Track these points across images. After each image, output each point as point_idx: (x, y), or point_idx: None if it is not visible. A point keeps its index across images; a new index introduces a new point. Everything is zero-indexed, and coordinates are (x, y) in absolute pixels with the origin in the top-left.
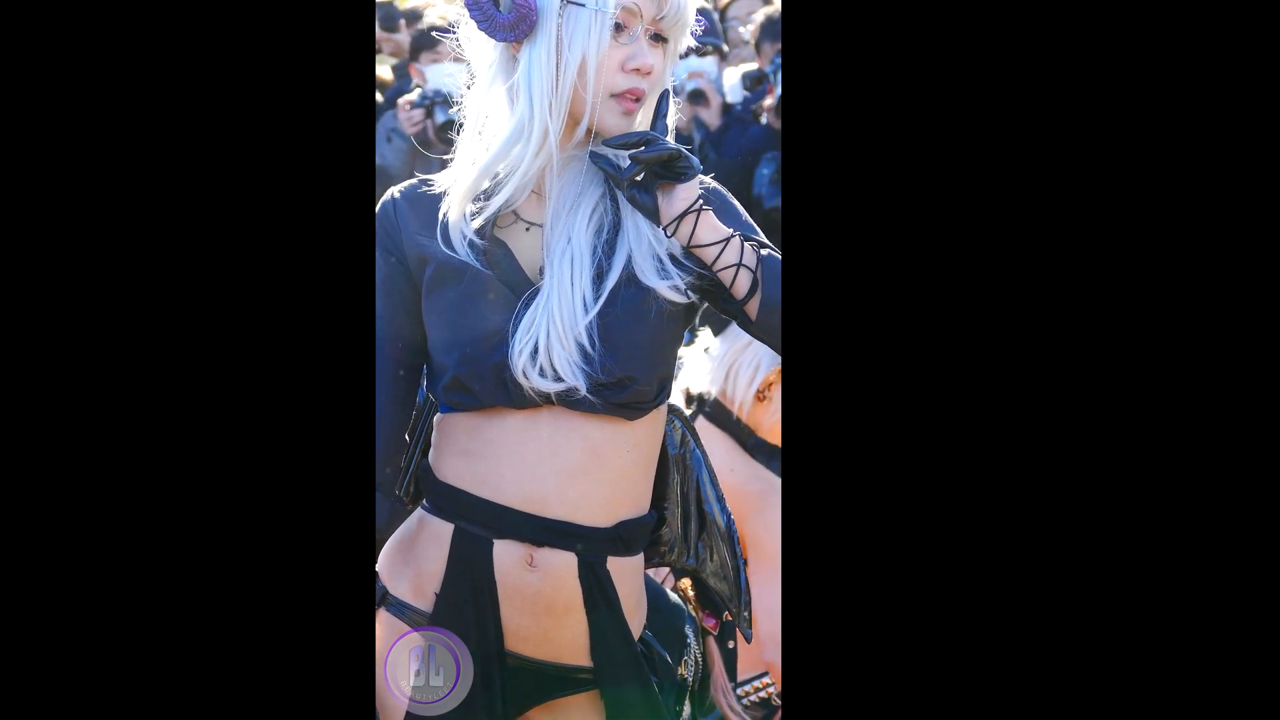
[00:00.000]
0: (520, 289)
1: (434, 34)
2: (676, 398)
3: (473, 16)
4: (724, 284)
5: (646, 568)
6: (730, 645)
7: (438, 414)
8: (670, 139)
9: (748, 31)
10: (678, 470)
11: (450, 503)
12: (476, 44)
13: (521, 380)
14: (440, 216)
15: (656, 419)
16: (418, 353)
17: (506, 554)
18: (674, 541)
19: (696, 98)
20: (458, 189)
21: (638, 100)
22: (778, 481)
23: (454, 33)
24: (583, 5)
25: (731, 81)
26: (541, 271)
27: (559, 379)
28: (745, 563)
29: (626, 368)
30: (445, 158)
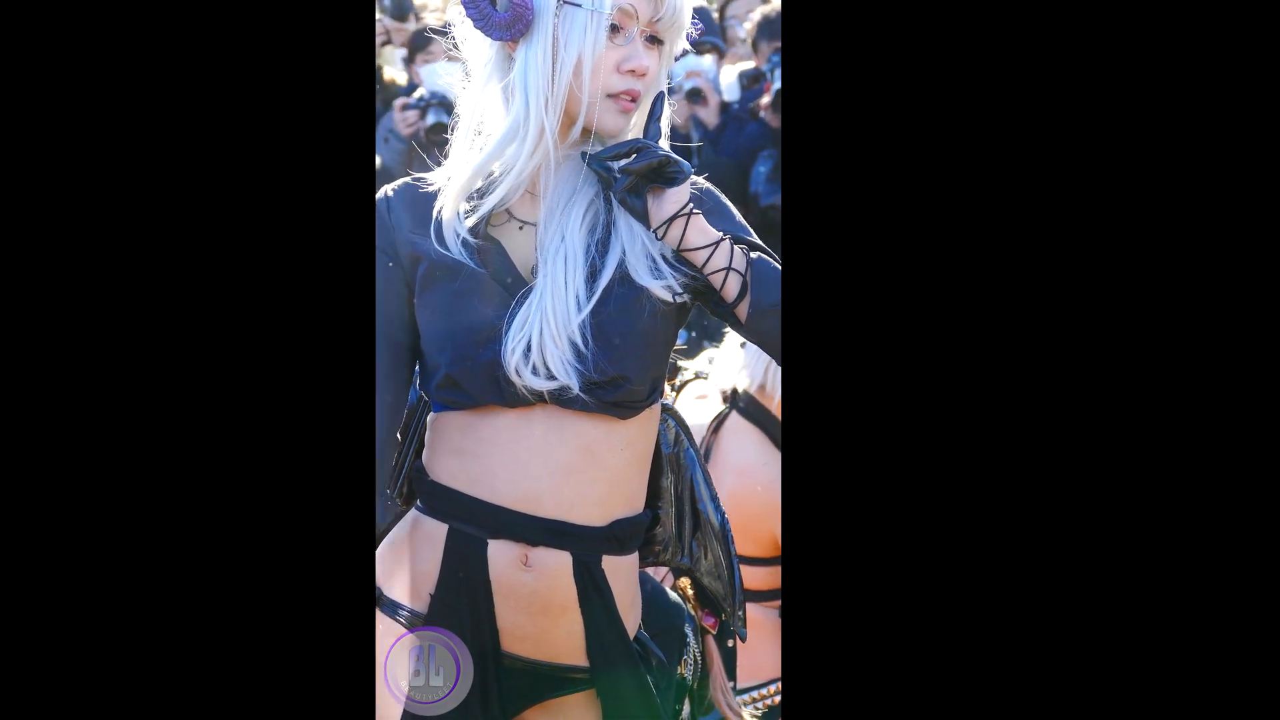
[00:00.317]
0: (513, 287)
1: (429, 33)
2: (713, 393)
3: (469, 15)
4: (714, 287)
5: (641, 567)
6: (730, 644)
7: (431, 413)
8: (665, 139)
9: (745, 30)
10: (672, 469)
11: (444, 503)
12: (472, 43)
13: (514, 378)
14: (434, 215)
15: (649, 418)
16: (415, 353)
17: (501, 554)
18: (668, 541)
19: (695, 96)
20: (452, 187)
21: (634, 100)
22: None
23: (449, 33)
24: (579, 6)
25: (729, 80)
26: (535, 270)
27: (551, 377)
28: (740, 561)
29: (619, 367)
30: (442, 159)
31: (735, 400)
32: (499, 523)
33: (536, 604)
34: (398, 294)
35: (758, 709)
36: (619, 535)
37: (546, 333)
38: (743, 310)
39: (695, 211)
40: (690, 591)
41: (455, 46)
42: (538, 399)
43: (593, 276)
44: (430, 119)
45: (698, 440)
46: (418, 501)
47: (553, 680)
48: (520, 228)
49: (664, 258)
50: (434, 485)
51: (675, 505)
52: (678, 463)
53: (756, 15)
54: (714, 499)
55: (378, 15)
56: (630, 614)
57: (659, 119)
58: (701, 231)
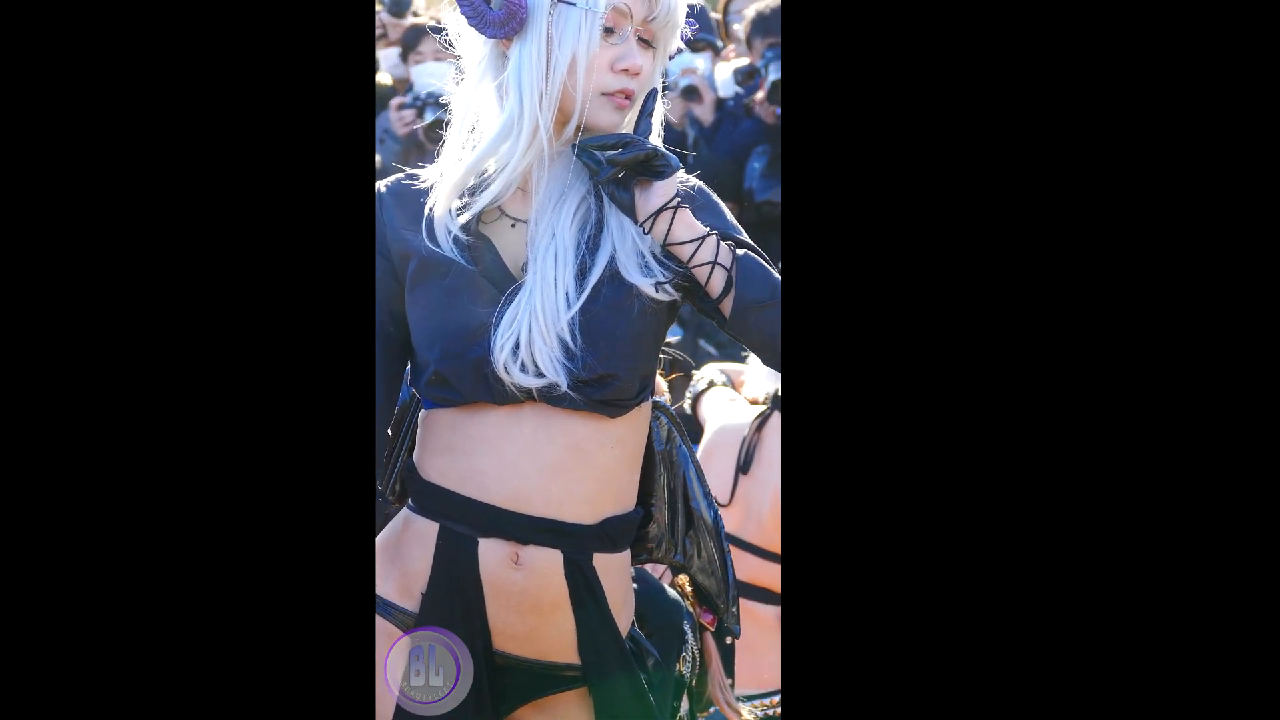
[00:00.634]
0: (503, 285)
1: (430, 28)
2: (740, 398)
3: (463, 13)
4: (700, 282)
5: (634, 564)
6: (728, 641)
7: (422, 411)
8: (658, 136)
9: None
10: (664, 467)
11: (434, 502)
12: (467, 40)
13: (503, 375)
14: (426, 211)
15: (639, 416)
16: (407, 350)
17: (491, 552)
18: (661, 538)
19: (690, 94)
20: (444, 184)
21: (628, 98)
22: None
23: (442, 31)
24: (573, 4)
25: (724, 77)
26: (525, 267)
27: (540, 374)
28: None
29: (608, 365)
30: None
31: (777, 399)
32: (489, 521)
33: (527, 602)
34: (389, 291)
35: (758, 716)
36: (610, 533)
37: (535, 330)
38: (727, 306)
39: (682, 205)
40: (689, 589)
41: (448, 45)
42: (526, 396)
43: (583, 274)
44: (428, 116)
45: (742, 440)
46: (409, 500)
47: (545, 679)
48: (512, 225)
49: (654, 255)
50: (424, 484)
51: (668, 503)
52: (670, 460)
53: (750, 12)
54: (707, 496)
55: (377, 8)
56: (623, 612)
57: (650, 114)
58: (688, 225)
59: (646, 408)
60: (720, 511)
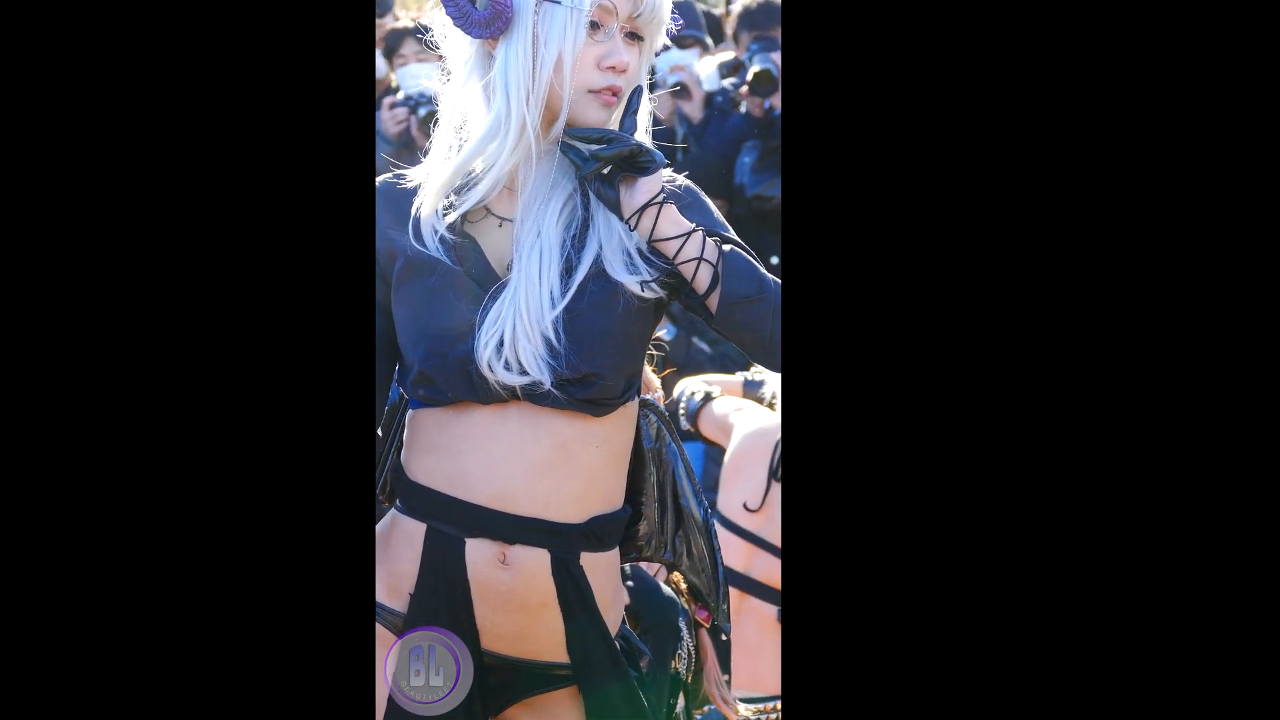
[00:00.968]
0: (488, 284)
1: (418, 30)
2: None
3: (449, 13)
4: (686, 278)
5: (625, 563)
6: (724, 638)
7: (409, 411)
8: (645, 133)
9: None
10: (654, 464)
11: (421, 502)
12: (452, 41)
13: (486, 373)
14: (413, 211)
15: (625, 415)
16: (395, 349)
17: (479, 552)
18: (651, 536)
19: (679, 91)
20: (432, 184)
21: (616, 95)
22: None
23: (426, 32)
24: (559, 3)
25: (708, 70)
26: (510, 267)
27: (524, 372)
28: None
29: (591, 364)
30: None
31: None
32: (476, 521)
33: (515, 602)
34: (377, 291)
35: None
36: (597, 532)
37: (520, 328)
38: (714, 302)
39: (667, 201)
40: (684, 586)
41: (432, 45)
42: (510, 395)
43: (568, 272)
44: (422, 113)
45: (775, 444)
46: (396, 501)
47: (534, 678)
48: (499, 224)
49: (640, 253)
50: (411, 484)
51: (658, 501)
52: (660, 458)
53: (737, 6)
54: (697, 494)
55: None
56: (611, 610)
57: (635, 112)
58: (674, 222)
59: (633, 406)
60: (750, 515)
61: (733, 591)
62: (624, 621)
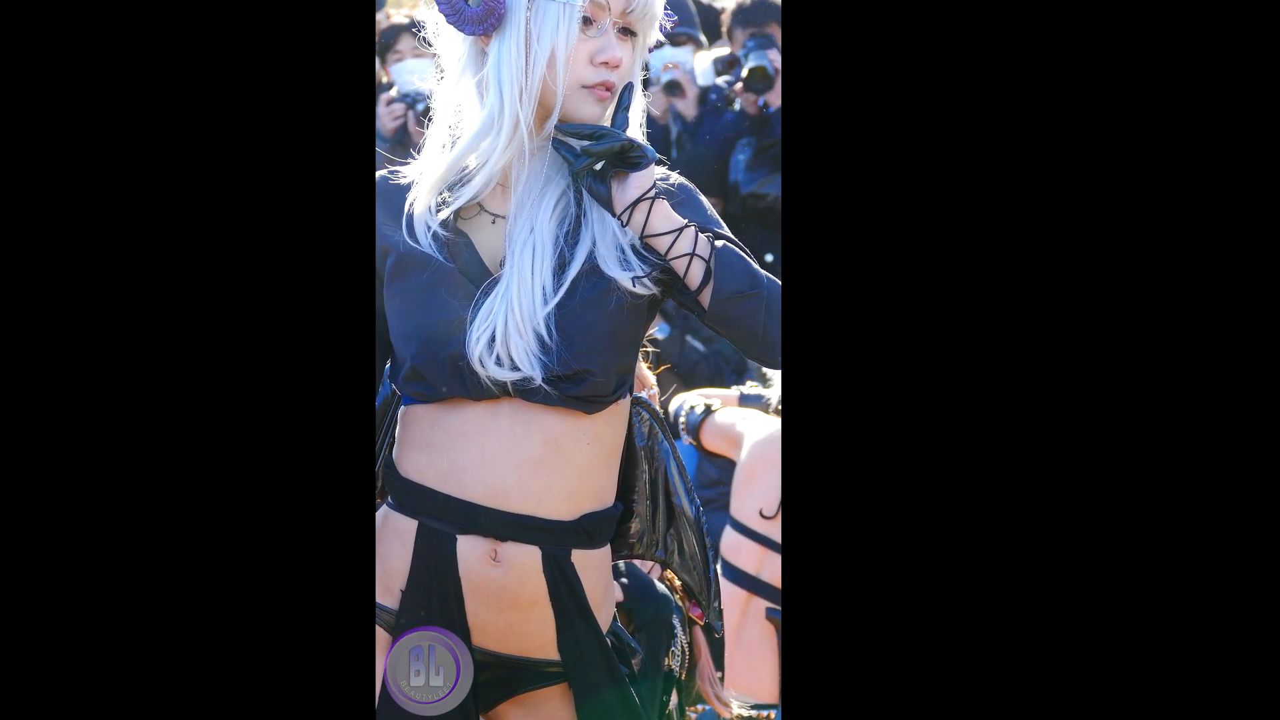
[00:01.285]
0: (480, 281)
1: (413, 27)
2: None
3: (441, 10)
4: (678, 274)
5: (615, 560)
6: (717, 635)
7: (401, 408)
8: (638, 129)
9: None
10: (645, 462)
11: (413, 499)
12: (445, 38)
13: (478, 368)
14: (406, 208)
15: (617, 413)
16: (387, 345)
17: (470, 549)
18: (643, 534)
19: (672, 89)
20: (425, 181)
21: (609, 91)
22: None
23: (419, 29)
24: None
25: (703, 66)
26: (503, 263)
27: (515, 368)
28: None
29: (583, 361)
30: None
31: None
32: (468, 518)
33: (506, 599)
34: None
35: None
36: (588, 529)
37: (511, 323)
38: (706, 297)
39: (659, 197)
40: (678, 583)
41: (425, 42)
42: (502, 391)
43: (561, 268)
44: (420, 108)
45: None
46: (388, 497)
47: (525, 675)
48: (492, 221)
49: (634, 249)
50: (403, 481)
51: (650, 498)
52: (652, 455)
53: (731, 2)
54: (689, 491)
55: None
56: (603, 608)
57: (627, 108)
58: (666, 217)
59: (625, 404)
60: (765, 521)
61: (741, 592)
62: (615, 619)
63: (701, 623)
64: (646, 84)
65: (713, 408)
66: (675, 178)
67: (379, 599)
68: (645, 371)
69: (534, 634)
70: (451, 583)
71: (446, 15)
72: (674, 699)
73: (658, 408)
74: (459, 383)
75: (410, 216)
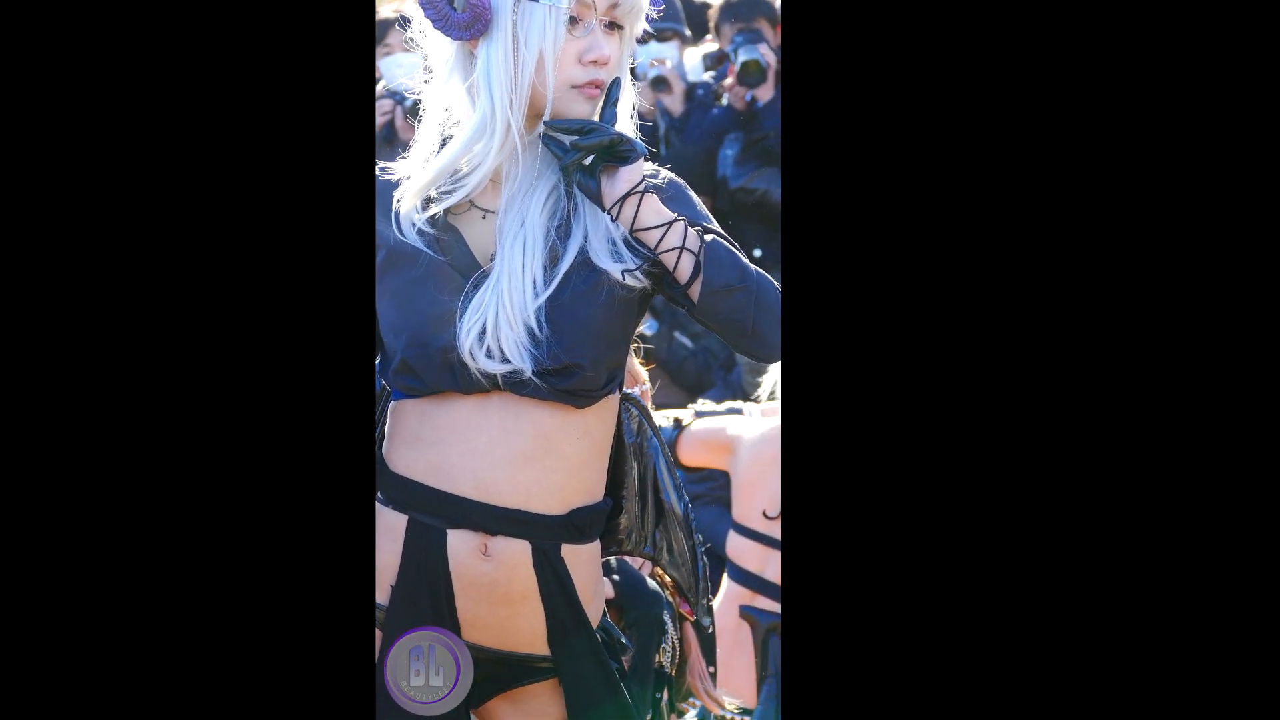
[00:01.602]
0: (471, 274)
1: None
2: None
3: (427, 16)
4: (668, 268)
5: (605, 556)
6: (708, 631)
7: (391, 402)
8: (629, 123)
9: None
10: (635, 459)
11: (403, 494)
12: (432, 39)
13: (468, 360)
14: (394, 204)
15: (607, 408)
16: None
17: (460, 544)
18: (631, 530)
19: (659, 84)
20: (415, 182)
21: (599, 88)
22: None
23: (410, 24)
24: (536, 1)
25: (693, 62)
26: (493, 257)
27: (505, 360)
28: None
29: (573, 354)
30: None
31: None
32: (458, 512)
33: (496, 594)
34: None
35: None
36: (578, 523)
37: (502, 315)
38: (695, 291)
39: (648, 191)
40: (669, 579)
41: (413, 41)
42: (491, 384)
43: (553, 262)
44: (408, 103)
45: None
46: (378, 493)
47: (515, 670)
48: (483, 216)
49: (625, 242)
50: (393, 476)
51: (639, 495)
52: (641, 452)
53: None
54: (677, 488)
55: None
56: (593, 603)
57: (615, 102)
58: (655, 211)
59: (614, 399)
60: (769, 521)
61: (743, 590)
62: (605, 614)
63: (692, 619)
64: (633, 73)
65: (682, 421)
66: (665, 174)
67: None
68: (638, 367)
69: (524, 629)
70: (442, 577)
71: (433, 21)
72: (664, 695)
73: (650, 403)
74: (449, 376)
75: (399, 211)
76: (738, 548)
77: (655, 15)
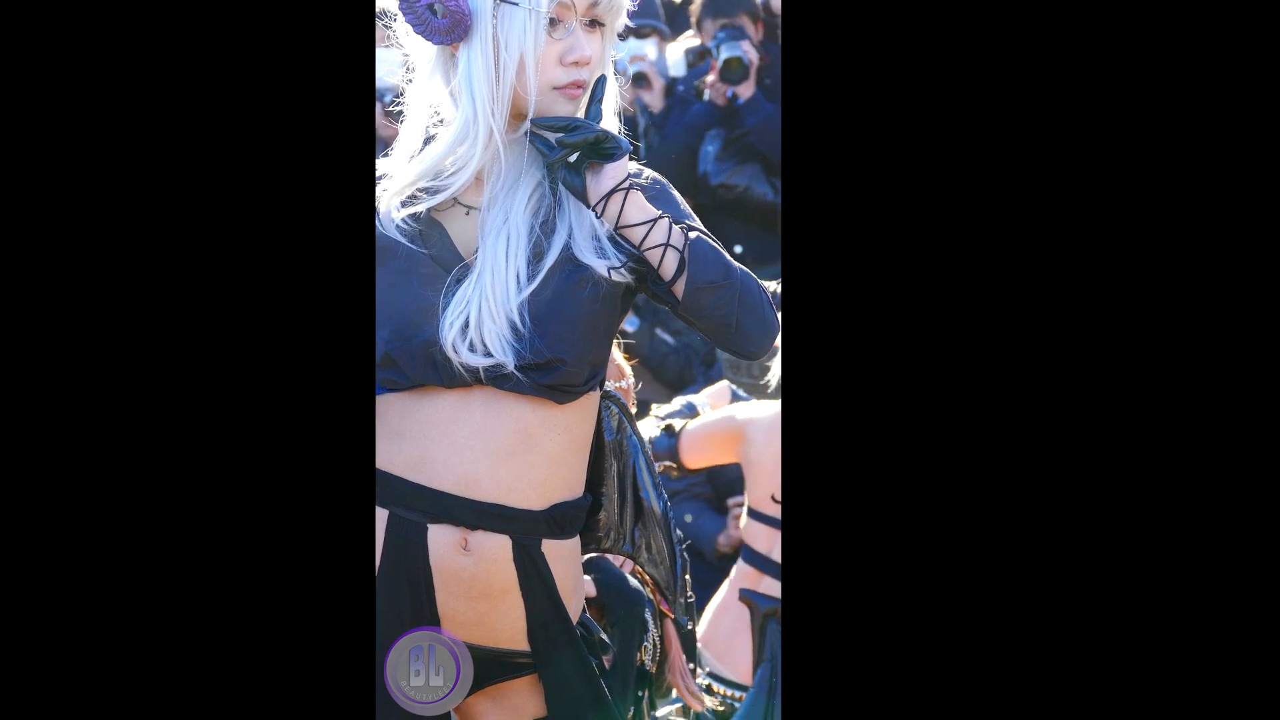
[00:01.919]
0: (454, 268)
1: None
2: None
3: (407, 20)
4: (652, 265)
5: (584, 553)
6: (690, 628)
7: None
8: (612, 120)
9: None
10: (615, 456)
11: (384, 488)
12: (413, 42)
13: (450, 354)
14: (377, 200)
15: (588, 404)
16: None
17: (441, 539)
18: (610, 528)
19: (639, 81)
20: (398, 182)
21: (581, 88)
22: None
23: (389, 19)
24: (516, 4)
25: (675, 57)
26: (476, 251)
27: (488, 354)
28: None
29: (555, 349)
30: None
31: None
32: (438, 507)
33: (476, 588)
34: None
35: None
36: (558, 519)
37: (485, 309)
38: (680, 288)
39: (633, 187)
40: (648, 577)
41: (394, 37)
42: (474, 378)
43: (537, 258)
44: (387, 99)
45: None
46: None
47: (495, 665)
48: (466, 212)
49: (610, 238)
50: (375, 471)
51: (618, 492)
52: (620, 450)
53: None
54: (656, 486)
55: None
56: (573, 598)
57: (600, 100)
58: (640, 208)
59: (595, 396)
60: (778, 505)
61: (751, 571)
62: (585, 611)
63: (672, 616)
64: (616, 74)
65: (674, 427)
66: (649, 173)
67: None
68: (622, 362)
69: (504, 624)
70: (422, 572)
71: (414, 26)
72: (646, 692)
73: (634, 398)
74: (431, 369)
75: (382, 209)
76: (750, 531)
77: (632, 6)
